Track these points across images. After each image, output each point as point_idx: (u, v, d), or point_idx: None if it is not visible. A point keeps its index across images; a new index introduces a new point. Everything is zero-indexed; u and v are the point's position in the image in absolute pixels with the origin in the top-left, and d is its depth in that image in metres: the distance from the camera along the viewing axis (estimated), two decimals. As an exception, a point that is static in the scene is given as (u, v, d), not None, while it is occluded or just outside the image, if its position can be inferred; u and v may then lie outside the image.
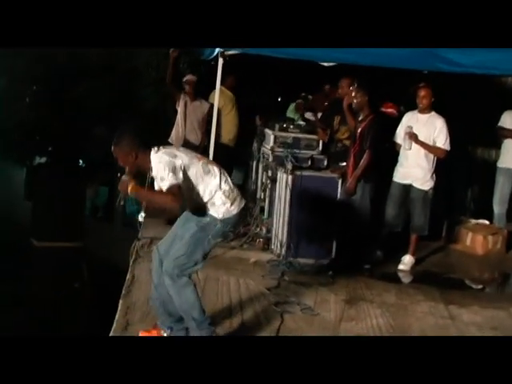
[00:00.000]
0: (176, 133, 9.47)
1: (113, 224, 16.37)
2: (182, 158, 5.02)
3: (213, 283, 6.96)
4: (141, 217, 5.51)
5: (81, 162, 15.53)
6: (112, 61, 11.48)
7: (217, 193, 5.09)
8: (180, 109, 9.41)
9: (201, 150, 9.23)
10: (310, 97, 10.12)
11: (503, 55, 7.69)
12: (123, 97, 11.56)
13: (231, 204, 5.12)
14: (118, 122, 12.10)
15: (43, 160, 15.10)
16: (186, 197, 5.09)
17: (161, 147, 5.09)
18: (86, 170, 15.44)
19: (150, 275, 6.19)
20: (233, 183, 5.26)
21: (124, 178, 5.01)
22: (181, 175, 4.90)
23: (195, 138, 9.40)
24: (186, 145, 9.31)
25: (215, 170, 5.17)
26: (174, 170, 4.86)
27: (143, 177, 5.11)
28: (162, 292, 5.24)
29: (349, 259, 7.89)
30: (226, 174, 5.26)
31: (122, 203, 5.25)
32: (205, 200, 5.10)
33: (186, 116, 9.38)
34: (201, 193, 5.08)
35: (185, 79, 9.48)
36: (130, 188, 4.91)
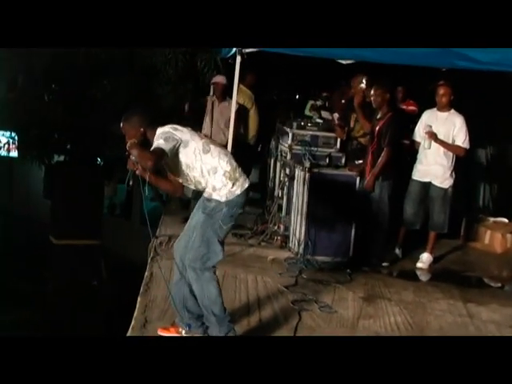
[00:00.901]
0: (204, 133, 9.49)
1: (131, 222, 16.45)
2: (184, 133, 5.08)
3: (231, 281, 6.97)
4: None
5: (99, 160, 15.60)
6: (130, 59, 11.51)
7: (216, 174, 5.08)
8: (207, 110, 9.41)
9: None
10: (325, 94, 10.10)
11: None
12: (141, 95, 11.58)
13: (233, 185, 5.08)
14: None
15: (62, 158, 15.17)
16: (186, 175, 5.13)
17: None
18: (104, 168, 15.51)
19: (167, 273, 6.23)
20: (236, 164, 5.22)
21: (132, 157, 4.97)
22: (171, 145, 4.90)
23: (222, 138, 9.37)
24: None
25: (215, 149, 5.16)
26: (166, 139, 4.90)
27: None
28: (182, 288, 5.26)
29: (368, 257, 7.90)
30: (229, 156, 5.26)
31: (130, 183, 5.13)
32: (203, 181, 5.11)
33: (212, 117, 9.38)
34: (198, 171, 5.06)
35: (213, 81, 9.46)
36: (129, 144, 4.98)
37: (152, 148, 4.89)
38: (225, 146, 9.13)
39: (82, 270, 13.23)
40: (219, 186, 5.08)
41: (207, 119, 9.44)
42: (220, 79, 9.43)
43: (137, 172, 4.94)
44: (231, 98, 9.26)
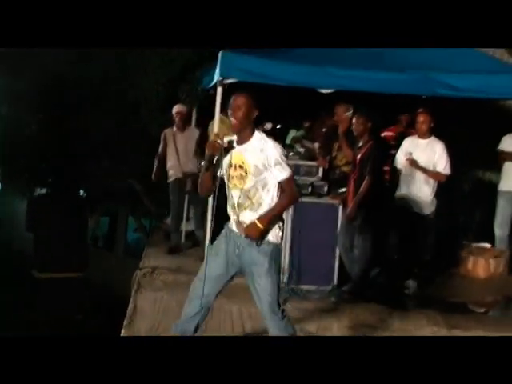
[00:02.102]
0: (172, 164, 9.48)
1: (114, 253, 16.38)
2: None
3: (215, 312, 6.92)
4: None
5: (82, 192, 15.55)
6: (112, 90, 11.53)
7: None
8: (169, 143, 9.43)
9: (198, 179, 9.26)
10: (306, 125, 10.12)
11: (500, 79, 7.76)
12: (123, 126, 11.59)
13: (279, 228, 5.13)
14: (119, 151, 12.18)
15: (44, 191, 15.11)
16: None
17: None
18: (87, 201, 15.45)
19: (152, 304, 6.21)
20: None
21: (220, 141, 5.00)
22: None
23: (191, 167, 9.40)
24: (184, 176, 9.34)
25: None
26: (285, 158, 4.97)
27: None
28: (192, 324, 5.35)
29: (353, 285, 7.91)
30: None
31: (202, 164, 5.14)
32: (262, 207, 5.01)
33: (177, 148, 9.40)
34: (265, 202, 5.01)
35: (174, 110, 9.50)
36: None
37: (289, 175, 4.94)
38: (198, 174, 9.21)
39: (65, 304, 13.11)
40: (274, 223, 5.05)
41: (170, 151, 9.46)
42: (181, 108, 9.49)
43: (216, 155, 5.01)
44: (194, 125, 9.34)
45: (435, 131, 7.99)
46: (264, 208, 4.96)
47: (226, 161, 5.07)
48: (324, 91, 8.42)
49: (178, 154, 9.40)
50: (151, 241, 10.67)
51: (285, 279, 7.74)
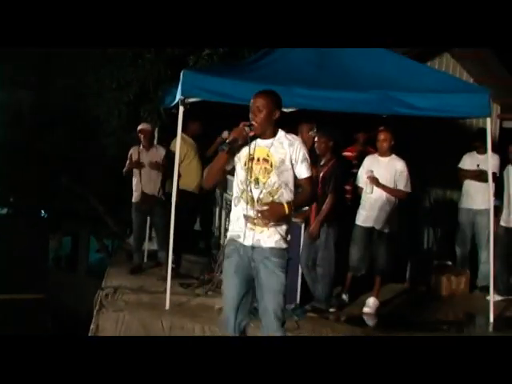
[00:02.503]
0: (136, 184, 9.45)
1: (76, 274, 16.26)
2: None
3: (178, 332, 6.90)
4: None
5: (43, 212, 15.44)
6: (74, 110, 11.49)
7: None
8: (133, 160, 9.39)
9: (159, 199, 9.24)
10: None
11: (460, 98, 7.85)
12: (85, 146, 11.54)
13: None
14: (80, 171, 12.13)
15: (4, 211, 14.98)
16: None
17: None
18: (48, 221, 15.33)
19: (113, 324, 6.15)
20: None
21: (246, 127, 4.89)
22: None
23: (153, 187, 9.36)
24: (145, 196, 9.31)
25: None
26: None
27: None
28: None
29: (315, 304, 7.92)
30: None
31: (224, 147, 4.87)
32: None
33: (141, 166, 9.36)
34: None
35: (139, 128, 9.47)
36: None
37: (312, 173, 5.06)
38: (156, 195, 9.21)
39: (26, 325, 12.96)
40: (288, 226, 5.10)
41: (134, 170, 9.42)
42: (146, 126, 9.47)
43: (239, 141, 4.89)
44: (159, 145, 9.33)
45: (396, 150, 8.06)
46: (282, 224, 4.97)
47: (243, 153, 5.00)
48: (286, 110, 8.46)
49: (140, 174, 9.36)
50: (113, 261, 10.61)
51: (247, 298, 7.72)
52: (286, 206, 4.82)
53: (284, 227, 5.00)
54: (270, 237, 4.94)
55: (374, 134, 8.30)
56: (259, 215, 4.81)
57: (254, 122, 4.91)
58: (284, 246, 5.00)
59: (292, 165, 4.93)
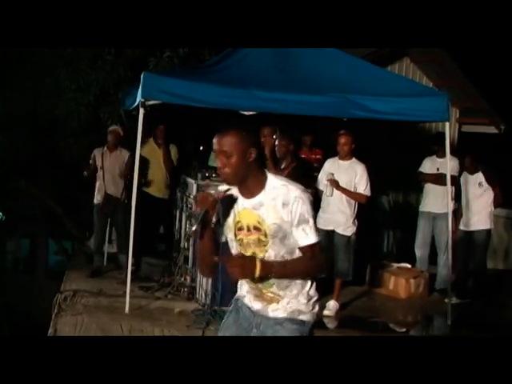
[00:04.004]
0: (98, 186, 9.39)
1: (35, 277, 16.09)
2: None
3: (137, 335, 6.87)
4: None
5: (1, 215, 15.26)
6: (33, 111, 11.37)
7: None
8: (98, 162, 9.33)
9: (122, 201, 9.18)
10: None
11: (419, 102, 7.92)
12: (44, 148, 11.42)
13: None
14: (38, 173, 11.99)
15: None
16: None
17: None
18: (6, 223, 15.16)
19: (72, 328, 6.10)
20: None
21: (213, 191, 3.73)
22: None
23: (116, 189, 9.32)
24: (108, 198, 9.25)
25: None
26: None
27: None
28: None
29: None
30: None
31: (194, 228, 3.61)
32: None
33: (103, 169, 9.31)
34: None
35: (110, 129, 9.41)
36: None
37: (316, 239, 3.64)
38: (119, 198, 9.16)
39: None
40: (314, 295, 3.97)
41: (98, 171, 9.37)
42: (117, 128, 9.42)
43: (210, 215, 3.63)
44: (123, 148, 9.29)
45: (356, 153, 8.10)
46: (294, 284, 3.77)
47: (228, 222, 3.76)
48: (246, 113, 8.48)
49: (103, 175, 9.30)
50: (73, 263, 10.52)
51: (208, 301, 7.71)
52: (258, 265, 3.52)
53: (303, 300, 3.84)
54: (283, 309, 3.79)
55: (334, 137, 8.33)
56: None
57: (221, 168, 3.64)
58: (304, 318, 3.85)
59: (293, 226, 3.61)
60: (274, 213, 3.59)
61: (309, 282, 3.84)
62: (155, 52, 9.77)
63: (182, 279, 8.54)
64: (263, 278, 3.61)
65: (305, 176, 8.07)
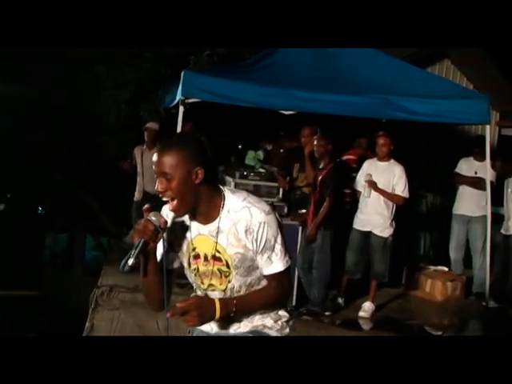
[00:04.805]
0: (138, 183, 9.45)
1: (72, 271, 16.24)
2: None
3: (173, 332, 6.88)
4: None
5: (40, 209, 15.42)
6: (72, 107, 11.49)
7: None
8: (138, 160, 9.38)
9: (160, 198, 9.21)
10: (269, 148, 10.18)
11: (458, 104, 7.87)
12: (83, 144, 11.53)
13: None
14: (77, 169, 12.12)
15: (1, 207, 14.96)
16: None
17: (237, 189, 3.32)
18: (44, 218, 15.32)
19: (109, 323, 6.14)
20: None
21: (154, 217, 3.13)
22: None
23: (154, 187, 9.36)
24: (146, 196, 9.30)
25: None
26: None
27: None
28: None
29: (311, 307, 7.93)
30: None
31: (130, 262, 2.97)
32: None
33: (143, 166, 9.35)
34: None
35: (145, 126, 9.46)
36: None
37: (285, 266, 3.17)
38: (157, 195, 9.17)
39: (18, 322, 12.93)
40: (285, 316, 3.46)
41: (138, 169, 9.42)
42: (152, 125, 9.45)
43: (151, 246, 3.05)
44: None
45: (395, 154, 8.07)
46: (267, 316, 3.32)
47: (182, 248, 3.27)
48: (285, 113, 8.48)
49: (142, 173, 9.36)
50: (109, 259, 10.58)
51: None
52: (218, 307, 3.01)
53: (269, 320, 3.35)
54: (245, 326, 3.30)
55: (373, 138, 8.31)
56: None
57: (163, 192, 3.16)
58: (270, 333, 3.34)
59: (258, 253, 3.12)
60: (236, 241, 3.07)
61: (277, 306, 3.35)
62: (195, 50, 9.81)
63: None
64: (224, 318, 3.10)
65: (343, 177, 8.08)
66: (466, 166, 9.41)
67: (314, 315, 7.89)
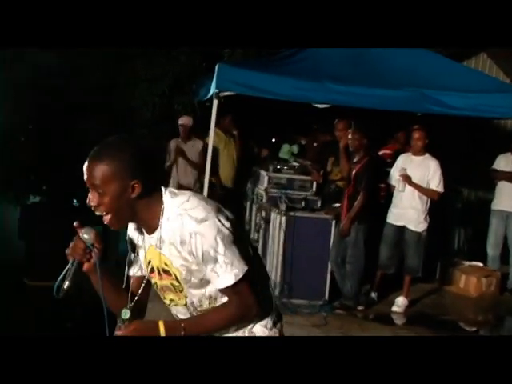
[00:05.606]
0: (172, 176, 9.49)
1: (106, 263, 16.34)
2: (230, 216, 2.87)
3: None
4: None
5: (75, 201, 15.52)
6: (108, 100, 11.54)
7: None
8: (172, 152, 9.42)
9: (195, 191, 9.23)
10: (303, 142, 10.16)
11: (496, 98, 7.79)
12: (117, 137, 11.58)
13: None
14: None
15: (37, 199, 15.09)
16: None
17: (182, 192, 2.87)
18: (80, 210, 15.41)
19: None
20: None
21: (85, 235, 2.94)
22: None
23: (188, 179, 9.40)
24: (180, 188, 9.32)
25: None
26: (235, 241, 2.75)
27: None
28: None
29: (343, 300, 7.92)
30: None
31: (66, 286, 2.80)
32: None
33: (177, 159, 9.39)
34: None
35: (180, 122, 9.48)
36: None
37: (235, 279, 2.74)
38: (192, 187, 9.22)
39: (56, 312, 13.05)
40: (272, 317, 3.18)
41: (172, 162, 9.45)
42: (186, 120, 9.48)
43: (85, 266, 2.88)
44: (196, 138, 9.33)
45: (430, 149, 8.01)
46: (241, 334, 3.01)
47: (141, 260, 2.99)
48: (320, 106, 8.45)
49: (177, 166, 9.40)
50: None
51: (276, 293, 7.74)
52: (161, 329, 2.78)
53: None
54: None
55: (408, 132, 8.25)
56: None
57: (103, 214, 2.82)
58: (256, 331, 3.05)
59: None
60: (177, 252, 2.75)
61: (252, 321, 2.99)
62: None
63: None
64: None
65: (378, 171, 8.05)
66: (504, 162, 9.33)
67: (347, 309, 7.89)
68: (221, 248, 2.68)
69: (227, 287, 2.74)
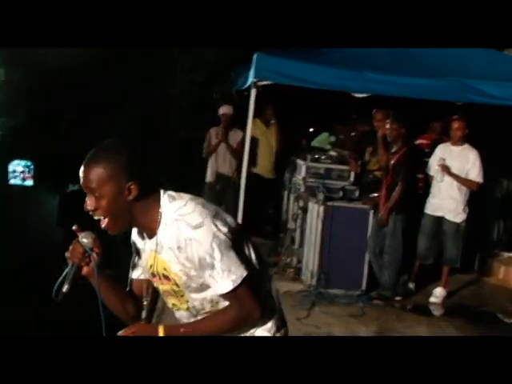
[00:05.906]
0: (211, 164, 9.52)
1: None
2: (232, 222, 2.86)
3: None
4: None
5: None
6: (145, 90, 11.59)
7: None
8: (214, 141, 9.44)
9: (233, 181, 9.27)
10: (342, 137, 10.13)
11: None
12: (156, 126, 11.64)
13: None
14: (151, 151, 12.23)
15: (76, 187, 15.24)
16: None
17: (181, 195, 2.85)
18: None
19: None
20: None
21: (84, 239, 2.86)
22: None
23: (228, 168, 9.43)
24: (219, 177, 9.36)
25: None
26: (232, 246, 2.74)
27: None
28: None
29: (381, 291, 7.90)
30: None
31: (65, 289, 2.76)
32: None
33: (217, 147, 9.42)
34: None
35: (221, 112, 9.50)
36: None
37: (234, 285, 2.71)
38: (230, 177, 9.24)
39: (94, 299, 13.19)
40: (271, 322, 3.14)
41: (212, 149, 9.48)
42: (227, 109, 9.49)
43: (84, 270, 2.86)
44: (237, 128, 9.34)
45: (469, 139, 7.94)
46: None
47: (146, 267, 2.99)
48: (358, 95, 8.41)
49: (217, 154, 9.44)
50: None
51: (313, 282, 7.74)
52: (161, 333, 2.78)
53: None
54: None
55: (447, 122, 8.18)
56: None
57: (101, 218, 2.79)
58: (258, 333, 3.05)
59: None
60: (175, 257, 2.75)
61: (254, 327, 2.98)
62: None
63: (288, 260, 8.59)
64: None
65: (416, 161, 7.99)
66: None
67: (385, 300, 7.87)
68: (217, 254, 2.67)
69: (227, 293, 2.74)
